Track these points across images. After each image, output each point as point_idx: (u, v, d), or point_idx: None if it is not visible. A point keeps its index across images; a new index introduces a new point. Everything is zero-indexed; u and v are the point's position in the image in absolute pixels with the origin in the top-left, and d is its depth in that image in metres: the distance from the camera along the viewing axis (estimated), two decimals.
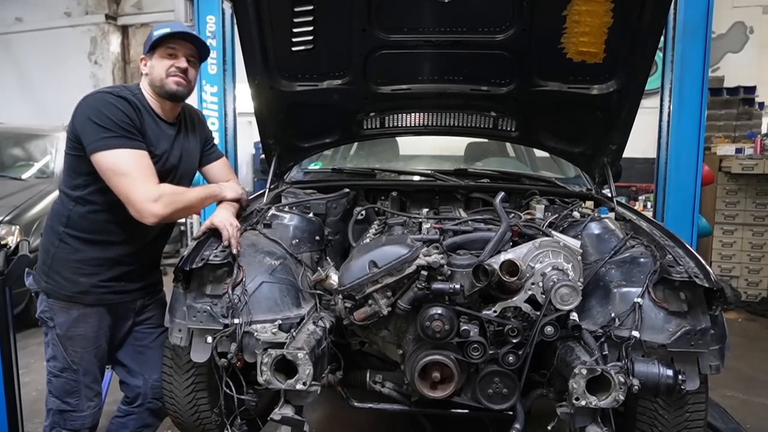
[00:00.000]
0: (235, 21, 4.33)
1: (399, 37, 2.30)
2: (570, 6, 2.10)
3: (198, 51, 2.05)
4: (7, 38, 9.90)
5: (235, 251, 1.93)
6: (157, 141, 2.00)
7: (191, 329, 1.85)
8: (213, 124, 4.46)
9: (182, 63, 1.98)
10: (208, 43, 4.31)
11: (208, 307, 1.82)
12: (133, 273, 2.09)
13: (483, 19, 2.23)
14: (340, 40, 2.30)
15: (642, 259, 1.91)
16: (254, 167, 7.53)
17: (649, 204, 5.59)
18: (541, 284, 1.74)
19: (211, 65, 4.29)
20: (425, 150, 3.71)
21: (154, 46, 1.99)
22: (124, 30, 9.41)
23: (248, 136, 6.58)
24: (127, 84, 2.13)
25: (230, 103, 4.48)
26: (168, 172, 2.03)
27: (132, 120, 1.87)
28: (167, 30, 1.96)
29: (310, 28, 2.24)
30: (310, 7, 2.17)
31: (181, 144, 2.12)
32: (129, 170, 1.81)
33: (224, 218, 2.02)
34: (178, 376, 2.11)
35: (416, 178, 2.92)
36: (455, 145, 3.61)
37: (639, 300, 1.74)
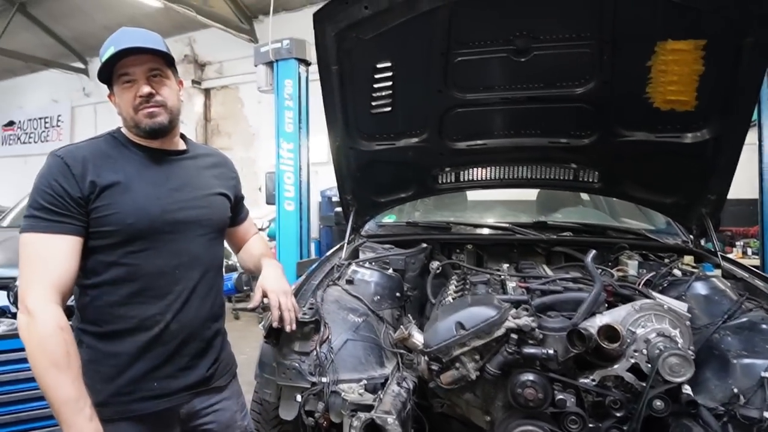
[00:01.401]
0: (309, 84, 4.57)
1: (474, 96, 2.31)
2: (655, 56, 2.04)
3: (162, 57, 1.54)
4: (110, 105, 11.01)
5: (288, 329, 1.73)
6: (137, 175, 1.51)
7: (280, 386, 1.86)
8: (289, 178, 4.66)
9: (144, 89, 1.49)
10: (285, 105, 4.64)
11: (297, 365, 1.83)
12: (167, 369, 1.52)
13: (560, 74, 2.21)
14: (417, 101, 2.34)
15: (764, 326, 1.74)
16: (320, 214, 7.67)
17: (749, 250, 5.18)
18: (645, 352, 1.61)
19: (288, 124, 4.51)
20: (494, 195, 3.58)
21: (106, 79, 1.54)
22: (207, 92, 10.27)
23: (315, 185, 6.77)
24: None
25: (304, 157, 4.68)
26: (163, 214, 1.50)
27: (63, 190, 1.39)
28: (110, 52, 1.47)
29: (389, 92, 2.29)
30: (389, 74, 2.23)
31: (186, 177, 1.61)
32: (27, 260, 1.38)
33: (277, 286, 1.73)
34: None
35: (493, 230, 2.87)
36: (526, 191, 3.49)
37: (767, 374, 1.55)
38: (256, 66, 4.72)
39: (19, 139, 14.47)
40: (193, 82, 10.17)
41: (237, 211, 1.83)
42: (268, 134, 9.02)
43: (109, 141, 1.56)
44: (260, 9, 8.55)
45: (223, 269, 1.80)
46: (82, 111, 12.67)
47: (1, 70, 13.87)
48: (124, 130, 1.59)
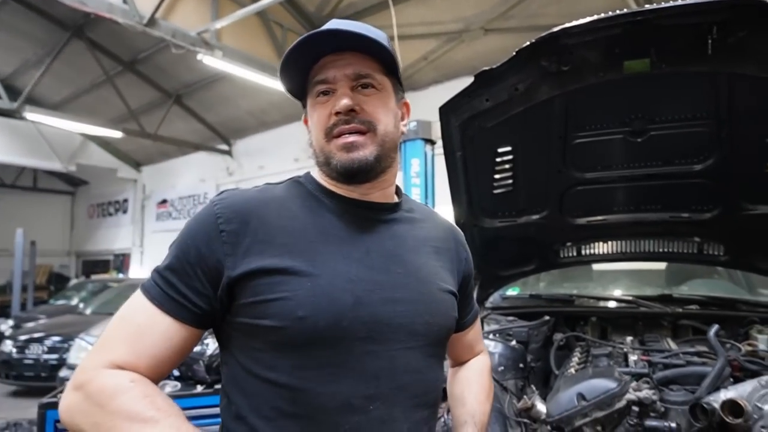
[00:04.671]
0: (435, 163, 4.87)
1: (593, 175, 2.42)
2: None
3: (378, 58, 1.05)
4: (252, 182, 12.88)
5: None
6: (322, 240, 1.00)
7: None
8: None
9: (342, 102, 1.01)
10: (413, 182, 4.93)
11: None
12: None
13: (678, 152, 2.28)
14: (537, 180, 2.49)
15: None
16: None
17: None
18: None
19: (415, 197, 4.81)
20: (620, 265, 3.49)
21: (297, 89, 1.10)
22: None
23: None
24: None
25: None
26: (357, 307, 0.96)
27: (199, 254, 0.95)
28: (302, 41, 1.00)
29: (510, 173, 2.46)
30: (510, 157, 2.40)
31: (397, 249, 1.07)
32: (115, 322, 0.97)
33: None
34: None
35: (617, 303, 2.89)
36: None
37: None
38: None
39: (170, 215, 15.98)
40: None
41: (462, 305, 1.22)
42: None
43: (290, 188, 1.09)
44: None
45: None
46: (226, 189, 14.12)
47: (158, 153, 15.66)
48: (315, 173, 1.12)
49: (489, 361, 1.42)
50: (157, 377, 0.94)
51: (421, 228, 1.16)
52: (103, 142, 15.69)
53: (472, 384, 1.32)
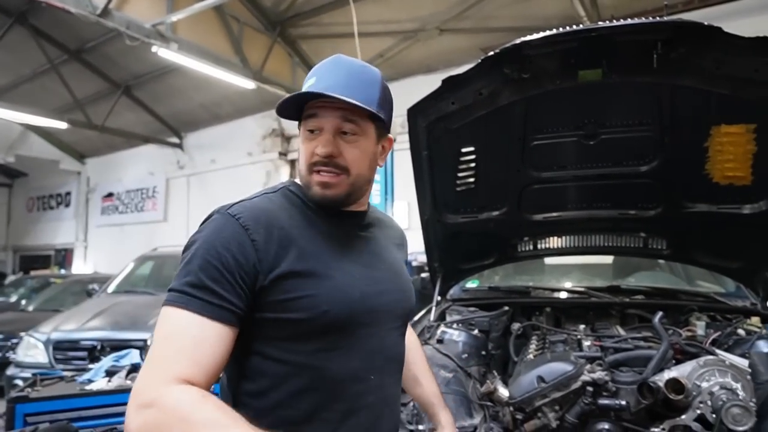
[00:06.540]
0: (394, 160, 4.99)
1: (549, 174, 2.60)
2: (711, 138, 2.28)
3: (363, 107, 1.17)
4: (204, 176, 12.67)
5: None
6: (326, 246, 1.19)
7: None
8: None
9: (322, 149, 1.16)
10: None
11: None
12: None
13: (626, 154, 2.47)
14: (498, 179, 2.64)
15: None
16: None
17: None
18: (709, 403, 1.78)
19: (375, 196, 4.94)
20: (571, 260, 3.73)
21: (293, 113, 1.23)
22: (292, 163, 11.02)
23: None
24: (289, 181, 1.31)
25: None
26: (362, 299, 1.18)
27: (236, 263, 1.06)
28: (307, 85, 1.19)
29: (472, 172, 2.60)
30: (473, 156, 2.55)
31: (375, 250, 1.32)
32: (162, 342, 1.02)
33: None
34: None
35: (570, 294, 3.09)
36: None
37: None
38: None
39: (117, 209, 15.45)
40: (280, 154, 10.99)
41: None
42: None
43: (287, 199, 1.23)
44: None
45: None
46: (176, 182, 13.64)
47: (104, 145, 15.09)
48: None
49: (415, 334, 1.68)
50: (211, 385, 1.01)
51: (385, 229, 1.44)
52: (45, 133, 15.01)
53: (418, 364, 1.61)
